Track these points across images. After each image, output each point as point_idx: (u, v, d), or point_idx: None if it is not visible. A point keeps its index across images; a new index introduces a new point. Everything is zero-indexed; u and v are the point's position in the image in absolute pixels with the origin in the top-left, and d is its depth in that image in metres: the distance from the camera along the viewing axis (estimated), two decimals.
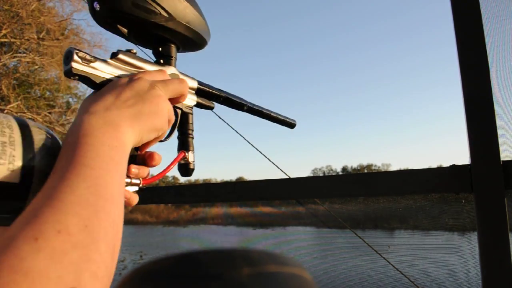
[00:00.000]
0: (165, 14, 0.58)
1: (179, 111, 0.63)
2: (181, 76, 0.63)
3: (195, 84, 0.66)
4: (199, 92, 0.66)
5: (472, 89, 0.95)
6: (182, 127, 0.64)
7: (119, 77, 0.53)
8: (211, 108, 0.69)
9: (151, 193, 1.41)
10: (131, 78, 0.51)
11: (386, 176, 1.06)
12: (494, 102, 0.93)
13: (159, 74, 0.56)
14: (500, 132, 0.92)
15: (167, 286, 0.20)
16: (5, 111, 11.73)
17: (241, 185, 1.27)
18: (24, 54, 12.50)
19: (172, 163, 0.60)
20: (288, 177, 1.23)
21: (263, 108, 0.74)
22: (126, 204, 0.54)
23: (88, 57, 0.50)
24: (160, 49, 0.63)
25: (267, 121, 0.77)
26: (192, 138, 0.65)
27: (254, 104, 0.72)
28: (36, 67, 12.82)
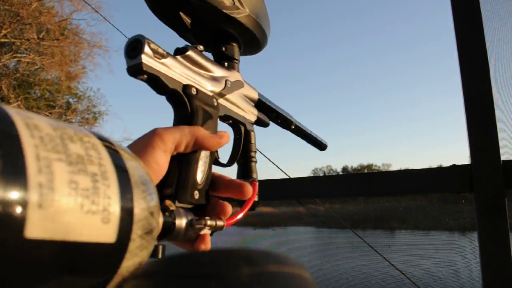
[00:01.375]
0: (238, 5, 0.48)
1: (242, 128, 0.53)
2: (245, 85, 0.53)
3: (256, 96, 0.55)
4: (258, 106, 0.56)
5: (472, 89, 0.95)
6: (244, 148, 0.53)
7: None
8: (267, 125, 0.59)
9: None
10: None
11: (387, 176, 1.06)
12: (494, 102, 0.93)
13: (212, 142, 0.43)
14: (500, 132, 0.92)
15: (167, 286, 0.20)
16: None
17: None
18: (24, 55, 12.51)
19: (252, 197, 0.48)
20: (288, 177, 1.23)
21: (305, 128, 0.65)
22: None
23: (160, 50, 0.39)
24: (224, 49, 0.52)
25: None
26: (256, 162, 0.54)
27: (299, 123, 0.64)
28: (36, 67, 12.83)
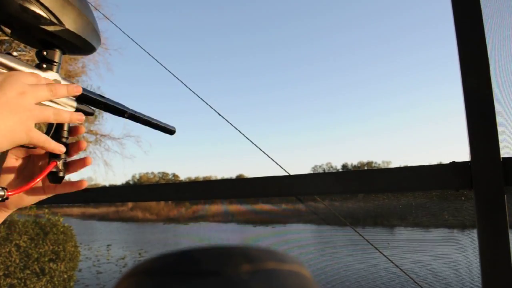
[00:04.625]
0: (55, 21, 0.57)
1: None
2: (63, 82, 0.62)
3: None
4: (80, 98, 0.66)
5: (472, 85, 0.95)
6: (56, 134, 0.63)
7: None
8: (91, 114, 0.69)
9: (151, 191, 1.41)
10: (3, 79, 0.50)
11: (386, 173, 1.06)
12: (494, 99, 0.93)
13: (32, 77, 0.54)
14: (500, 128, 0.92)
15: (167, 283, 0.20)
16: None
17: (241, 182, 1.27)
18: (24, 52, 12.49)
19: (42, 173, 0.60)
20: (288, 174, 1.23)
21: (144, 115, 0.75)
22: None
23: None
24: (45, 53, 0.61)
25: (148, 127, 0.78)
26: (66, 145, 0.64)
27: (135, 111, 0.74)
28: None
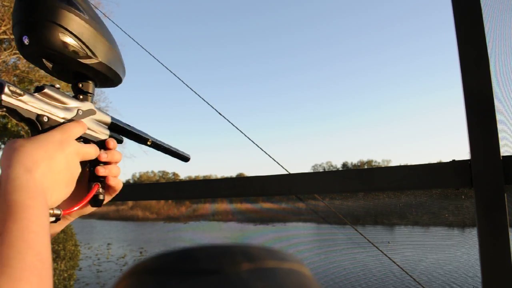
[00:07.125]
0: (91, 55, 0.62)
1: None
2: (98, 112, 0.68)
3: (108, 120, 0.71)
4: (111, 127, 0.71)
5: (472, 84, 0.95)
6: (95, 160, 0.67)
7: (50, 126, 0.59)
8: (120, 142, 0.74)
9: (152, 190, 1.41)
10: (62, 141, 0.56)
11: (386, 171, 1.06)
12: (494, 97, 0.93)
13: (80, 128, 0.61)
14: (500, 127, 0.92)
15: (167, 282, 0.20)
16: None
17: (241, 181, 1.27)
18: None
19: (88, 195, 0.64)
20: (288, 173, 1.23)
21: (163, 143, 0.80)
22: None
23: (18, 90, 0.53)
24: (81, 85, 0.66)
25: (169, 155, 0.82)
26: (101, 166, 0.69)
27: (156, 139, 0.79)
28: None
